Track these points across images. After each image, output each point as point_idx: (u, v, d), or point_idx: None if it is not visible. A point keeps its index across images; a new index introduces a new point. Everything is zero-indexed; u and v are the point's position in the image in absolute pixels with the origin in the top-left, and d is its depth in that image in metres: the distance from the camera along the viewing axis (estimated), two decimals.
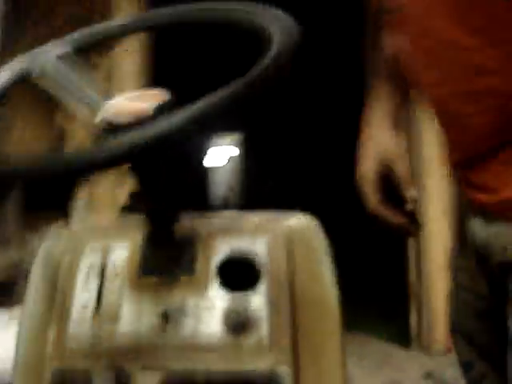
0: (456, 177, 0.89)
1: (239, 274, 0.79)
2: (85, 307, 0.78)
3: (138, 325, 0.77)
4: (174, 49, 3.71)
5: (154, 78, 3.08)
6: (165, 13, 0.84)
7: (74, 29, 0.86)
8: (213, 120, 0.58)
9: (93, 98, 0.74)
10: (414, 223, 0.92)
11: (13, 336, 0.82)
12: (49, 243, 0.86)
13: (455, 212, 0.95)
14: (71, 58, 0.78)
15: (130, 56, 2.94)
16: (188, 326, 0.76)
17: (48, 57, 0.78)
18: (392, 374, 2.69)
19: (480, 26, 0.74)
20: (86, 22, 1.06)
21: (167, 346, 0.76)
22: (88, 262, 0.81)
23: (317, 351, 0.76)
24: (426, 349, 2.98)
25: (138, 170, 0.72)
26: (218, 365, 0.74)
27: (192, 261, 0.79)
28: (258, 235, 0.80)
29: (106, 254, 0.81)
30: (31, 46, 0.82)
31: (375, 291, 3.42)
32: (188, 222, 0.82)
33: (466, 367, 0.94)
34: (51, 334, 0.78)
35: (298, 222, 0.82)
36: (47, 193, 2.77)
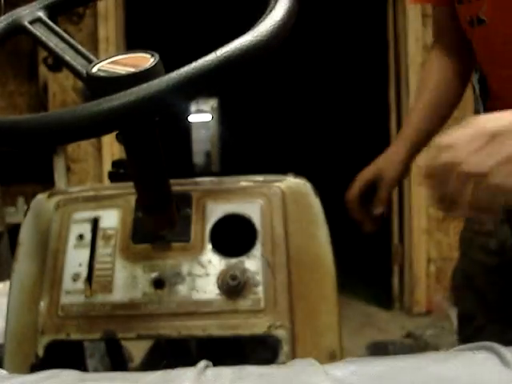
0: None
1: (234, 237, 0.78)
2: (76, 276, 0.77)
3: (131, 293, 0.76)
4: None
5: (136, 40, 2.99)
6: None
7: None
8: (208, 82, 0.55)
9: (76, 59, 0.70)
10: (375, 225, 1.07)
11: None
12: (37, 205, 0.84)
13: None
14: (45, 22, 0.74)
15: (106, 21, 2.84)
16: (183, 292, 0.75)
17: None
18: (374, 335, 2.74)
19: None
20: None
21: (162, 313, 0.75)
22: (77, 231, 0.79)
23: (313, 312, 0.76)
24: (406, 310, 3.03)
25: (126, 135, 0.70)
26: (214, 330, 0.73)
27: (185, 226, 0.77)
28: (252, 198, 0.79)
29: (95, 222, 0.80)
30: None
31: (358, 254, 3.46)
32: (179, 188, 0.80)
33: (466, 320, 1.04)
34: (43, 305, 0.76)
35: (292, 184, 0.81)
36: (22, 165, 2.71)
